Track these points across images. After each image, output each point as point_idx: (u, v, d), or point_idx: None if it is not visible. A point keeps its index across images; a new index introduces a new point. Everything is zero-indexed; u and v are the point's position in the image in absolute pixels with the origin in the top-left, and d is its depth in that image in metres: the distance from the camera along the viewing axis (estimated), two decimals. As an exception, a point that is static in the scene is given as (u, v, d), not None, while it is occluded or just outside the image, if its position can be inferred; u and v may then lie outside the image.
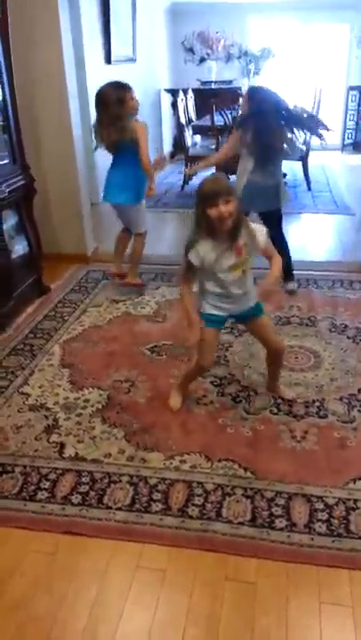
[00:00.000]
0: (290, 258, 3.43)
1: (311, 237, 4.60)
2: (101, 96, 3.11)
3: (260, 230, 2.07)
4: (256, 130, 3.05)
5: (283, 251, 3.36)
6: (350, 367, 2.64)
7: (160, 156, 3.52)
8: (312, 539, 1.72)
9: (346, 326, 3.03)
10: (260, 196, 3.14)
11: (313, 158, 6.15)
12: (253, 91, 3.30)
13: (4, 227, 3.10)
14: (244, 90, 7.37)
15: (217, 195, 1.92)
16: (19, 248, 3.33)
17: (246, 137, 3.11)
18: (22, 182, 3.24)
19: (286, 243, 3.40)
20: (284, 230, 3.43)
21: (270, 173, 3.17)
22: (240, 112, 3.04)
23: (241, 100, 5.68)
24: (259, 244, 2.05)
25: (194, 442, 2.17)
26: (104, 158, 4.49)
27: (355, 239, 4.50)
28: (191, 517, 1.82)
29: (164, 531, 1.78)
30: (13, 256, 3.22)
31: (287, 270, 3.45)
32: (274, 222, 3.16)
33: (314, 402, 2.39)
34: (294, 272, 3.51)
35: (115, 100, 3.05)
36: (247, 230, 2.04)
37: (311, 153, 5.96)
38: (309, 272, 3.71)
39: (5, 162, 3.14)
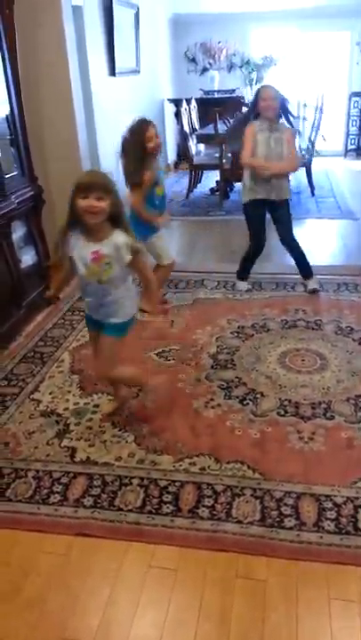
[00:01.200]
0: (303, 254, 3.51)
1: (316, 242, 4.63)
2: None
3: (130, 245, 1.97)
4: None
5: (295, 248, 3.47)
6: (356, 369, 2.66)
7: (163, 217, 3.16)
8: (321, 537, 1.75)
9: (351, 329, 3.05)
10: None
11: (316, 164, 6.20)
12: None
13: (14, 237, 3.16)
14: (247, 99, 7.48)
15: (89, 188, 1.86)
16: (27, 258, 3.39)
17: None
18: (31, 193, 3.31)
19: (297, 241, 3.48)
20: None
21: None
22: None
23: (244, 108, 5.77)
24: (123, 258, 1.97)
25: (203, 444, 2.20)
26: (109, 170, 4.50)
27: (358, 243, 4.54)
28: (201, 518, 1.85)
29: (174, 531, 1.81)
30: (23, 266, 3.28)
31: (304, 267, 3.54)
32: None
33: (320, 403, 2.42)
34: (297, 276, 3.56)
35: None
36: (115, 240, 1.95)
37: (315, 159, 6.01)
38: (314, 276, 3.73)
39: (15, 174, 3.21)
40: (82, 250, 1.97)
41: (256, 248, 3.54)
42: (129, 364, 2.47)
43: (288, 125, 3.34)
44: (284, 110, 3.27)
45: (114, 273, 2.00)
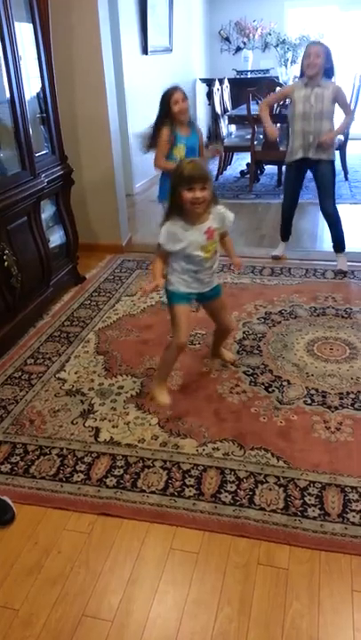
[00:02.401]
0: (337, 226, 3.56)
1: (349, 228, 4.50)
2: None
3: (231, 215, 2.18)
4: None
5: (330, 216, 3.55)
6: (387, 359, 2.60)
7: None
8: (346, 528, 1.72)
9: (383, 318, 2.98)
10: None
11: (351, 147, 6.03)
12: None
13: (43, 216, 3.16)
14: (282, 79, 7.30)
15: (195, 179, 1.97)
16: (56, 237, 3.40)
17: None
18: (60, 172, 3.29)
19: (334, 211, 3.55)
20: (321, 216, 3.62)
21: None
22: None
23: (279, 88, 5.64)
24: (227, 226, 2.18)
25: (227, 430, 2.18)
26: (138, 151, 4.43)
27: (393, 230, 4.40)
28: (224, 503, 1.84)
29: (196, 515, 1.80)
30: (51, 245, 3.29)
31: (335, 237, 3.59)
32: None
33: (349, 393, 2.37)
34: (328, 262, 3.49)
35: None
36: (218, 214, 2.13)
37: (349, 142, 5.84)
38: (344, 254, 3.65)
39: (45, 152, 3.20)
40: (191, 236, 2.09)
41: (283, 208, 3.72)
42: (153, 347, 2.46)
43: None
44: (331, 68, 3.23)
45: (217, 243, 2.19)
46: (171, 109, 2.96)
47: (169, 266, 2.19)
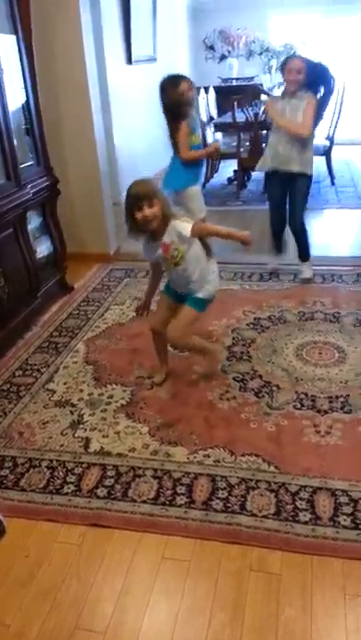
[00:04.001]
0: (302, 238, 3.50)
1: (335, 233, 4.56)
2: None
3: (183, 226, 2.17)
4: None
5: (297, 232, 3.49)
6: (375, 362, 2.61)
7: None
8: (337, 532, 1.72)
9: (370, 321, 3.00)
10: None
11: (337, 153, 6.08)
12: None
13: (29, 227, 3.16)
14: (266, 86, 7.37)
15: (141, 198, 2.07)
16: (43, 248, 3.39)
17: None
18: (46, 183, 3.30)
19: (301, 226, 3.49)
20: (308, 223, 3.54)
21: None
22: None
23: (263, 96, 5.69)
24: (186, 236, 2.17)
25: (217, 436, 2.18)
26: (126, 159, 4.50)
27: (379, 234, 4.45)
28: (215, 510, 1.83)
29: (188, 523, 1.80)
30: (38, 256, 3.28)
31: (300, 247, 3.55)
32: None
33: (338, 397, 2.38)
34: (317, 267, 3.51)
35: None
36: (173, 228, 2.16)
37: (335, 147, 5.89)
38: (333, 267, 3.68)
39: (30, 163, 3.20)
40: (156, 250, 2.23)
41: (271, 222, 3.63)
42: (143, 355, 2.46)
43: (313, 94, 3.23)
44: (317, 78, 3.21)
45: (184, 254, 2.21)
46: (182, 99, 3.00)
47: None
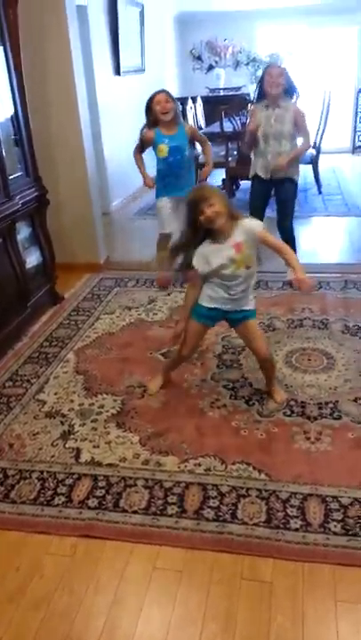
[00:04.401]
0: (294, 242, 3.55)
1: (323, 240, 4.60)
2: None
3: (256, 223, 2.19)
4: None
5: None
6: (364, 368, 2.64)
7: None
8: (328, 538, 1.73)
9: (359, 328, 3.02)
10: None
11: (323, 161, 6.15)
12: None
13: (19, 238, 3.16)
14: (253, 96, 7.45)
15: (198, 202, 2.08)
16: (32, 258, 3.39)
17: None
18: (35, 194, 3.30)
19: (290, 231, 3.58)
20: (296, 230, 3.63)
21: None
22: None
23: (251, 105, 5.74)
24: (256, 235, 2.14)
25: (208, 445, 2.18)
26: (115, 169, 4.49)
27: (366, 241, 4.50)
28: (207, 519, 1.83)
29: (180, 533, 1.80)
30: (28, 266, 3.28)
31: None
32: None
33: (327, 403, 2.40)
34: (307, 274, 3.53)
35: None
36: (243, 227, 2.14)
37: (321, 156, 5.96)
38: (321, 274, 3.71)
39: (19, 174, 3.20)
40: (219, 253, 2.15)
41: None
42: (133, 364, 2.43)
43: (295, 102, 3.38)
44: (290, 84, 3.31)
45: (252, 256, 2.18)
46: (153, 110, 3.24)
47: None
